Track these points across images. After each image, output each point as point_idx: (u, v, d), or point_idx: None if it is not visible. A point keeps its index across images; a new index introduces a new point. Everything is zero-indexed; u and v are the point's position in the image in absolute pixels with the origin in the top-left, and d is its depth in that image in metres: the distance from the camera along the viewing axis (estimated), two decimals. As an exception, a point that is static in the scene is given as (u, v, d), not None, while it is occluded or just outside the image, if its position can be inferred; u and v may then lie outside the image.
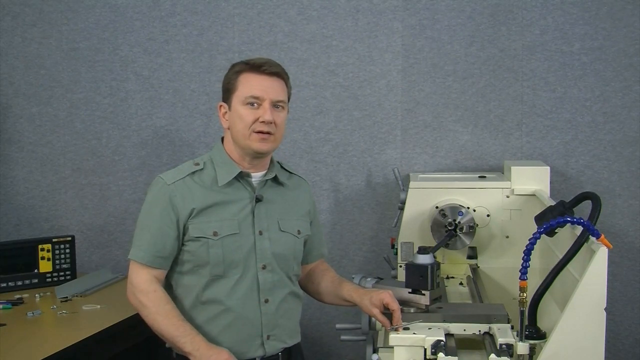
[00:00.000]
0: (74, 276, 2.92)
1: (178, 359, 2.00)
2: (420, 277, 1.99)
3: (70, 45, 3.19)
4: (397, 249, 2.63)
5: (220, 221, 1.96)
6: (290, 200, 2.09)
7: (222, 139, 2.08)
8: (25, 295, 2.74)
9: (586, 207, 1.89)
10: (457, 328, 1.89)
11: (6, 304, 2.60)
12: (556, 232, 1.89)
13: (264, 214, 2.01)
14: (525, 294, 1.71)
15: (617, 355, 2.91)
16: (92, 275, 2.93)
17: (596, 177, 2.93)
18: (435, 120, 3.02)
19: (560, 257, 1.74)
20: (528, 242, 1.73)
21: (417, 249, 2.03)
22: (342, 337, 2.46)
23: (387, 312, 1.96)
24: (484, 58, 2.98)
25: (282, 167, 2.12)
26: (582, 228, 1.71)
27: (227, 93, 2.01)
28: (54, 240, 2.92)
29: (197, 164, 2.03)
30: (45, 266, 2.88)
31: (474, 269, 2.56)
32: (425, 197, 2.60)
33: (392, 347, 1.81)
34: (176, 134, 3.17)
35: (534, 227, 1.85)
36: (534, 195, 2.54)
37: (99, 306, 2.59)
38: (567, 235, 1.87)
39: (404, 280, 2.04)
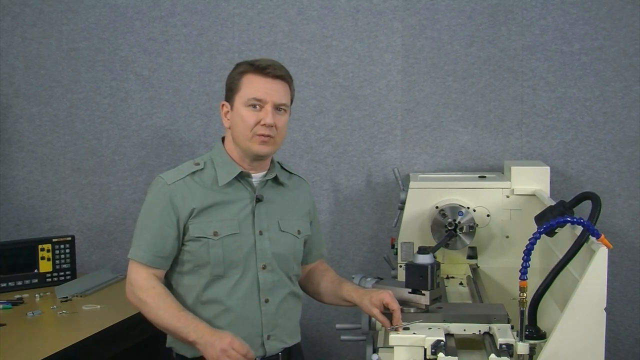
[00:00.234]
0: (74, 276, 2.92)
1: (178, 359, 2.00)
2: (420, 277, 1.98)
3: (70, 45, 3.19)
4: (397, 249, 2.63)
5: (220, 221, 1.96)
6: (290, 201, 2.09)
7: (223, 138, 2.08)
8: (25, 295, 2.74)
9: (586, 207, 1.89)
10: (457, 328, 1.89)
11: (6, 304, 2.61)
12: (556, 232, 1.89)
13: (264, 214, 2.01)
14: (525, 294, 1.71)
15: (617, 355, 2.91)
16: (92, 275, 2.93)
17: (596, 177, 2.93)
18: (435, 120, 3.02)
19: (560, 257, 1.74)
20: (528, 242, 1.73)
21: (417, 249, 2.03)
22: (342, 337, 2.46)
23: (387, 312, 1.95)
24: (484, 58, 2.98)
25: (282, 167, 2.12)
26: (582, 228, 1.71)
27: (230, 92, 2.01)
28: (54, 240, 2.92)
29: (198, 164, 2.03)
30: (45, 266, 2.88)
31: (474, 269, 2.56)
32: (425, 197, 2.60)
33: (392, 347, 1.81)
34: (176, 134, 3.17)
35: (534, 227, 1.85)
36: (534, 195, 2.54)
37: (99, 306, 2.60)
38: (567, 235, 1.87)
39: (404, 280, 2.04)
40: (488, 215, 2.58)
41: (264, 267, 1.99)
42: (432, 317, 1.93)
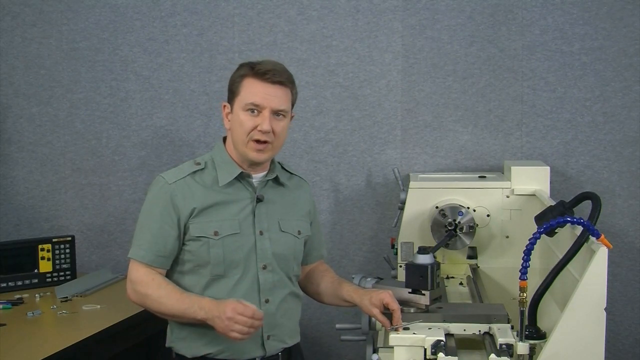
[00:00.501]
0: (74, 276, 2.92)
1: (178, 358, 2.00)
2: (420, 277, 1.98)
3: (70, 45, 3.19)
4: (397, 249, 2.63)
5: (221, 221, 1.96)
6: (290, 201, 2.09)
7: (224, 138, 2.08)
8: (25, 295, 2.73)
9: (586, 207, 1.89)
10: (457, 328, 1.89)
11: (6, 304, 2.60)
12: (556, 232, 1.89)
13: (265, 214, 2.01)
14: (525, 294, 1.71)
15: (617, 355, 2.91)
16: (92, 275, 2.93)
17: (596, 177, 2.93)
18: (435, 120, 3.02)
19: (560, 257, 1.74)
20: (528, 242, 1.73)
21: (417, 249, 2.03)
22: (342, 337, 2.46)
23: (387, 312, 1.95)
24: (484, 58, 2.98)
25: (282, 167, 2.13)
26: (582, 228, 1.71)
27: (231, 94, 2.01)
28: (54, 240, 2.92)
29: (198, 164, 2.03)
30: (45, 266, 2.88)
31: (474, 269, 2.56)
32: (425, 197, 2.60)
33: (392, 347, 1.81)
34: (176, 134, 3.17)
35: (534, 227, 1.85)
36: (534, 195, 2.54)
37: (99, 306, 2.59)
38: (567, 235, 1.87)
39: (404, 280, 2.04)
40: (488, 215, 2.58)
41: (264, 267, 1.99)
42: (432, 317, 1.93)
